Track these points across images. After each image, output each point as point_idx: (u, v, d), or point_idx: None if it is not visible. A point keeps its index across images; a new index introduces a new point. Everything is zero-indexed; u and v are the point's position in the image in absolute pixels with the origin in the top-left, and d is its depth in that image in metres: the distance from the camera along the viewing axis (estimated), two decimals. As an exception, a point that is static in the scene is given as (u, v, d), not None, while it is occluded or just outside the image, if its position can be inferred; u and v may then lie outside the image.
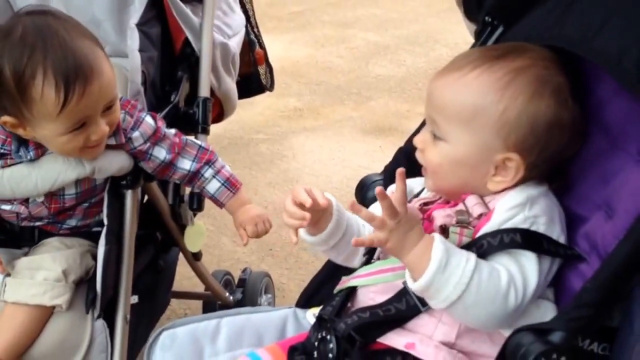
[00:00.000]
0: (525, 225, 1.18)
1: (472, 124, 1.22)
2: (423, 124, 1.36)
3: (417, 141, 1.30)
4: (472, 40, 1.49)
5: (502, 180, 1.23)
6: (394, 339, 1.21)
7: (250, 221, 1.73)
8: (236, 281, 2.34)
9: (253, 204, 1.79)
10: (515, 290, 1.14)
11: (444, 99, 1.25)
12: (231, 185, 1.74)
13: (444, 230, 1.22)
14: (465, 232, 1.20)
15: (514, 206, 1.20)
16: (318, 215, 1.30)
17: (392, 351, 1.20)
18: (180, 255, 2.06)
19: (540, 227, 1.19)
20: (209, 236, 2.05)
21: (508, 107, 1.21)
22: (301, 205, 1.27)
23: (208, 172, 1.73)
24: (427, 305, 1.19)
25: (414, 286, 1.16)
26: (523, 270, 1.16)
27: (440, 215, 1.24)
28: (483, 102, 1.21)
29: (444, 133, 1.25)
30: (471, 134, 1.22)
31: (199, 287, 2.27)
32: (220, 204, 1.77)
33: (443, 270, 1.12)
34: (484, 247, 1.17)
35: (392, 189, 1.38)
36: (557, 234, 1.21)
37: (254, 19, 2.19)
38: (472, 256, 1.14)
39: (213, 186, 1.73)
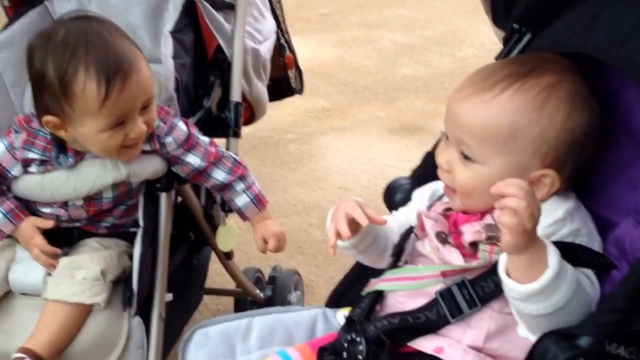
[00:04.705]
0: (570, 239, 1.18)
1: (509, 145, 1.20)
2: (440, 138, 1.33)
3: (442, 162, 1.27)
4: (497, 40, 1.49)
5: None
6: (423, 344, 1.21)
7: (274, 236, 1.79)
8: (266, 278, 2.37)
9: (273, 219, 1.85)
10: (595, 295, 1.15)
11: (477, 121, 1.21)
12: (259, 202, 1.80)
13: (474, 247, 1.21)
14: (495, 250, 1.18)
15: (555, 222, 1.19)
16: (357, 226, 1.29)
17: (421, 355, 1.21)
18: (213, 253, 2.10)
19: (583, 240, 1.19)
20: (241, 234, 2.07)
21: (547, 126, 1.20)
22: (351, 220, 1.25)
23: (239, 186, 1.77)
24: (456, 317, 1.19)
25: (523, 288, 1.08)
26: (593, 276, 1.17)
27: (470, 231, 1.22)
28: (520, 122, 1.19)
29: (477, 155, 1.22)
30: (507, 155, 1.21)
31: (231, 284, 2.31)
32: (245, 218, 1.82)
33: (558, 276, 1.07)
34: None
35: (419, 192, 1.41)
36: (598, 245, 1.21)
37: (284, 24, 2.21)
38: (569, 265, 1.11)
39: (242, 200, 1.79)
